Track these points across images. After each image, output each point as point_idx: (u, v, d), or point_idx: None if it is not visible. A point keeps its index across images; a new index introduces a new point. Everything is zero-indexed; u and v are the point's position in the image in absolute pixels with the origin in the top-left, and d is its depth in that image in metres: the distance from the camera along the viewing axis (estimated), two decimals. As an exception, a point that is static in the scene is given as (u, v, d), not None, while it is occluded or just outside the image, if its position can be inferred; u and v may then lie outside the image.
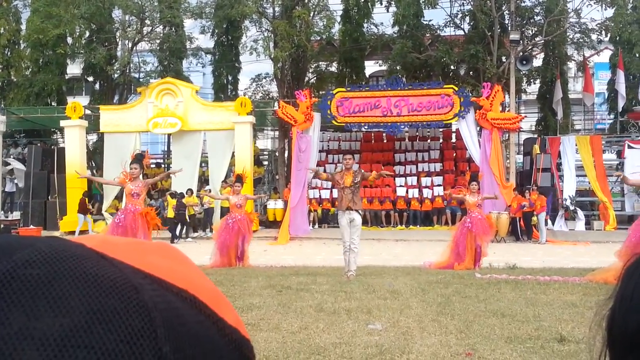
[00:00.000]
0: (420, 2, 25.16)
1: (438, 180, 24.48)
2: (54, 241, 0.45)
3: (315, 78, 29.92)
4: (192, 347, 0.43)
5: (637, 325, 0.76)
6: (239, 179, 13.48)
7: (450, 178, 24.34)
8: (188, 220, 20.85)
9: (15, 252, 0.42)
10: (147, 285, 0.44)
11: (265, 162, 29.96)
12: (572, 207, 22.15)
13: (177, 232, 20.09)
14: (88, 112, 24.62)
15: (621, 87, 25.08)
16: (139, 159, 11.14)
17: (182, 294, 0.46)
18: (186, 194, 20.92)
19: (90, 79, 30.11)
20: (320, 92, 26.45)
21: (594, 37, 26.55)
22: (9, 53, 28.74)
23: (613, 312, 0.81)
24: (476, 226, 11.78)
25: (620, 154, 24.62)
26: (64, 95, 29.34)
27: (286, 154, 25.67)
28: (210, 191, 20.65)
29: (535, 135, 27.20)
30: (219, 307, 0.48)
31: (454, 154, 26.16)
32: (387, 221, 23.20)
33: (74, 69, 30.59)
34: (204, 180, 24.55)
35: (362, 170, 10.79)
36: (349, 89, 23.95)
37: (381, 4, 26.62)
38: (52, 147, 27.13)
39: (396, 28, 27.43)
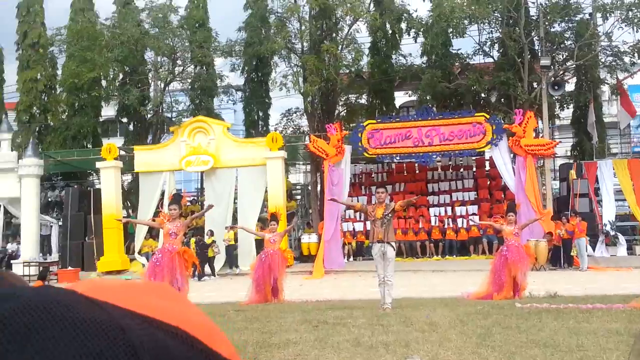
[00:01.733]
0: (448, 31, 25.18)
1: (473, 209, 24.18)
2: (43, 290, 0.46)
3: (345, 111, 30.02)
4: None
5: None
6: (274, 217, 13.49)
7: (486, 206, 24.04)
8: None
9: (3, 302, 0.43)
10: (135, 326, 0.45)
11: (298, 197, 30.00)
12: (612, 233, 21.66)
13: (204, 270, 20.14)
14: (122, 152, 25.03)
15: (657, 108, 24.65)
16: (177, 199, 11.27)
17: (173, 331, 0.47)
18: (207, 234, 21.18)
19: (124, 120, 30.68)
20: (351, 125, 26.50)
21: (626, 59, 26.22)
22: (45, 98, 29.57)
23: None
24: (513, 254, 11.56)
25: (660, 177, 24.07)
26: (99, 137, 29.96)
27: (318, 188, 25.67)
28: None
29: (571, 161, 26.78)
30: (212, 341, 0.51)
31: (488, 182, 25.85)
32: (422, 252, 22.93)
33: (108, 111, 31.24)
34: (237, 217, 24.61)
35: (393, 202, 10.69)
36: (379, 120, 23.96)
37: (409, 35, 26.76)
38: (89, 188, 27.59)
39: (425, 58, 27.51)
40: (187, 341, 0.47)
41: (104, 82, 28.03)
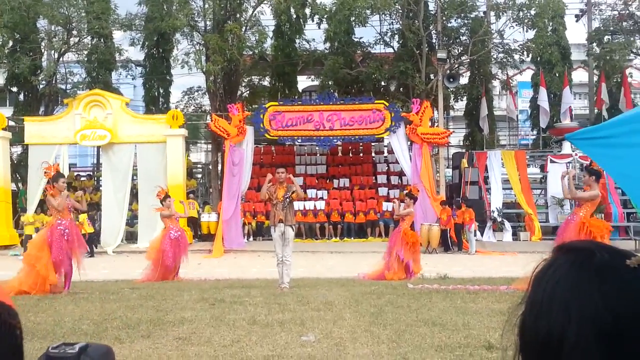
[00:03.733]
0: (351, 20, 25.50)
1: (371, 193, 24.79)
2: None
3: (248, 92, 29.85)
4: None
5: (547, 330, 0.80)
6: (167, 196, 13.30)
7: (383, 191, 24.74)
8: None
9: None
10: None
11: (199, 175, 29.62)
12: (499, 219, 22.83)
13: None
14: (12, 123, 23.78)
15: (544, 104, 26.11)
16: (62, 174, 10.98)
17: None
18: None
19: (14, 89, 29.06)
20: (253, 106, 26.39)
21: (516, 57, 27.61)
22: None
23: (524, 318, 0.85)
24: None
25: (543, 168, 25.63)
26: (-15, 106, 28.26)
27: (219, 167, 25.46)
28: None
29: (464, 150, 27.96)
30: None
31: (386, 168, 26.56)
32: (321, 233, 23.30)
33: (-4, 79, 29.51)
34: (135, 194, 24.01)
35: (295, 186, 10.74)
36: (281, 103, 24.03)
37: (313, 20, 26.86)
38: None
39: (328, 44, 27.74)
40: None
41: (-9, 49, 26.39)
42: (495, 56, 28.11)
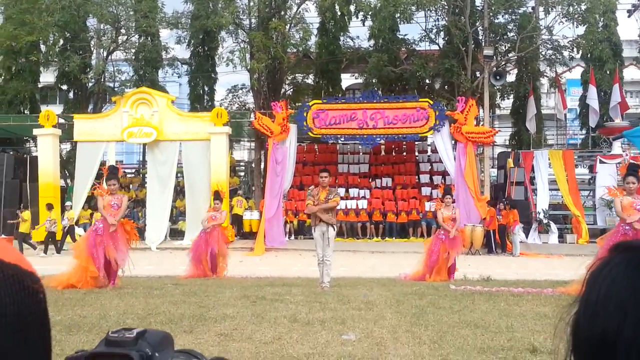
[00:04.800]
0: (396, 16, 25.37)
1: (414, 192, 24.61)
2: None
3: (291, 90, 29.98)
4: None
5: (601, 329, 0.77)
6: (217, 195, 13.46)
7: (426, 191, 24.53)
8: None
9: None
10: None
11: (242, 173, 29.89)
12: (545, 221, 22.41)
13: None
14: (62, 120, 24.36)
15: (593, 102, 25.50)
16: (114, 172, 11.15)
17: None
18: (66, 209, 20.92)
19: (64, 87, 29.81)
20: (297, 104, 26.49)
21: (565, 54, 27.00)
22: (-20, 60, 28.37)
23: (578, 317, 0.81)
24: (449, 238, 11.88)
25: (592, 169, 25.02)
26: (37, 103, 29.03)
27: (262, 165, 25.63)
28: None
29: (509, 149, 27.51)
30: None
31: (430, 167, 26.33)
32: (363, 233, 23.24)
33: (47, 77, 30.26)
34: (179, 191, 24.37)
35: (337, 191, 10.89)
36: (325, 101, 24.03)
37: (357, 17, 26.83)
38: (25, 155, 26.78)
39: (372, 42, 27.66)
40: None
41: (43, 47, 27.09)
42: (543, 53, 27.58)
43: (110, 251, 10.30)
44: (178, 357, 0.77)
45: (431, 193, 24.15)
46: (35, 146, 25.58)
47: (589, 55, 27.11)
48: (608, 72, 26.78)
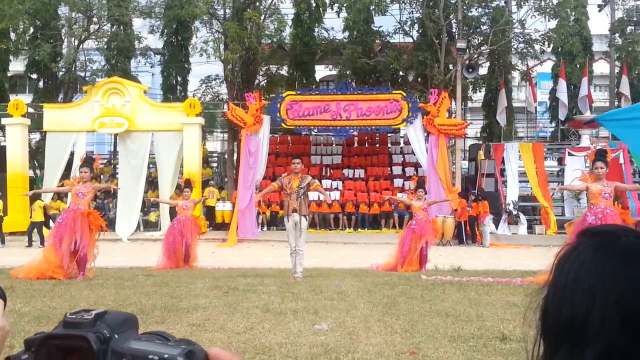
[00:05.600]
0: (371, 8, 25.40)
1: (386, 184, 24.74)
2: None
3: (265, 81, 29.86)
4: None
5: (570, 313, 0.79)
6: (188, 184, 13.46)
7: (398, 182, 24.67)
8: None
9: None
10: None
11: (214, 164, 29.73)
12: (514, 212, 22.69)
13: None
14: (31, 110, 24.01)
15: (563, 96, 25.84)
16: (89, 162, 11.04)
17: None
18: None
19: (34, 76, 29.31)
20: (271, 95, 26.40)
21: (537, 47, 27.30)
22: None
23: (547, 302, 0.84)
24: (420, 228, 11.99)
25: (561, 161, 25.39)
26: (6, 92, 28.48)
27: (235, 156, 25.52)
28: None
29: (480, 142, 27.76)
30: None
31: (402, 159, 26.47)
32: (335, 224, 23.30)
33: (17, 65, 29.72)
34: (151, 181, 24.18)
35: (311, 177, 10.81)
36: (299, 92, 24.01)
37: (332, 9, 26.80)
38: (-7, 145, 26.30)
39: (347, 33, 27.67)
40: None
41: (12, 35, 26.57)
42: (515, 46, 27.84)
43: (70, 240, 10.16)
44: (140, 338, 0.76)
45: (403, 184, 24.32)
46: (4, 136, 25.13)
47: (559, 49, 27.45)
48: (578, 66, 27.14)
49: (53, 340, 0.73)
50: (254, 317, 6.71)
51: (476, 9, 26.61)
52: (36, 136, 27.38)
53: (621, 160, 21.48)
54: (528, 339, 0.87)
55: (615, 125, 3.85)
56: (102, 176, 25.72)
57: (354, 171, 25.79)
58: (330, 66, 30.33)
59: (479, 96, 31.09)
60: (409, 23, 27.51)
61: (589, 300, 0.78)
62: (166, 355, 0.71)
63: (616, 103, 27.36)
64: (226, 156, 27.34)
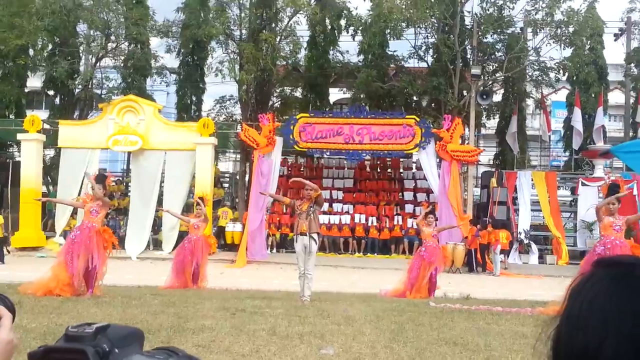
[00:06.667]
0: (386, 32, 25.55)
1: (397, 209, 24.65)
2: None
3: (279, 102, 30.00)
4: None
5: (583, 344, 0.77)
6: (201, 201, 13.45)
7: (409, 208, 24.59)
8: None
9: None
10: None
11: (226, 185, 29.79)
12: (526, 241, 22.52)
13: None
14: (47, 126, 24.20)
15: (578, 125, 25.75)
16: (101, 179, 11.05)
17: None
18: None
19: (51, 93, 29.59)
20: (284, 117, 26.51)
21: (552, 75, 27.27)
22: (-33, 61, 28.13)
23: (559, 331, 0.82)
24: (430, 255, 11.91)
25: (574, 191, 25.22)
26: (22, 108, 28.76)
27: (247, 177, 25.57)
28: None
29: (493, 169, 27.67)
30: None
31: (414, 184, 26.42)
32: (345, 248, 23.21)
33: (34, 82, 30.04)
34: (162, 201, 24.23)
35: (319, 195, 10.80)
36: (312, 114, 24.07)
37: (347, 32, 26.98)
38: (8, 160, 26.51)
39: (361, 57, 27.78)
40: None
41: (31, 51, 26.92)
42: (530, 74, 27.84)
43: (84, 257, 10.18)
44: (142, 353, 0.75)
45: (414, 210, 24.21)
46: (19, 151, 25.34)
47: (574, 78, 27.38)
48: (593, 95, 27.07)
49: (54, 354, 0.74)
50: (260, 340, 6.67)
51: (491, 36, 26.67)
52: (51, 152, 27.60)
53: (635, 192, 21.30)
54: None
55: (630, 158, 3.80)
56: (114, 194, 25.83)
57: (366, 195, 25.74)
58: (344, 89, 30.46)
59: (492, 123, 31.05)
60: (423, 48, 27.59)
61: (603, 331, 0.76)
62: None
63: (631, 133, 27.21)
64: (238, 177, 27.38)
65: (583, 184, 23.72)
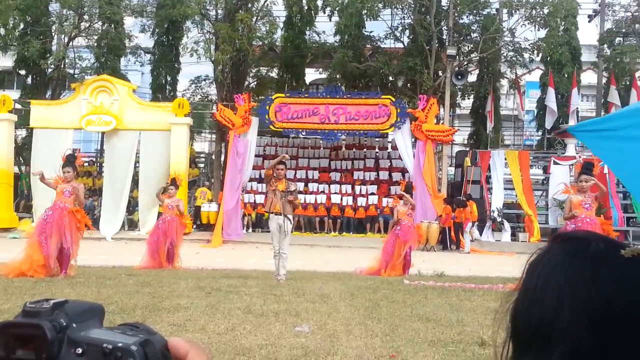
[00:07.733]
0: (363, 13, 25.48)
1: (372, 188, 24.79)
2: None
3: (255, 83, 29.84)
4: None
5: (539, 317, 0.81)
6: (174, 182, 13.42)
7: (384, 187, 24.73)
8: None
9: None
10: None
11: (201, 165, 29.66)
12: (499, 219, 22.81)
13: None
14: (18, 106, 23.86)
15: (552, 104, 25.99)
16: (71, 161, 10.90)
17: None
18: None
19: (22, 72, 29.08)
20: (260, 97, 26.41)
21: (526, 56, 27.48)
22: None
23: (517, 304, 0.85)
24: (405, 233, 12.04)
25: (546, 170, 25.56)
26: (-7, 88, 28.30)
27: (222, 157, 25.49)
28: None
29: (467, 149, 27.87)
30: None
31: (389, 164, 26.55)
32: (320, 227, 23.32)
33: (5, 61, 29.51)
34: (136, 181, 24.07)
35: (295, 186, 10.85)
36: (288, 95, 24.02)
37: (324, 12, 26.85)
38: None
39: (338, 37, 27.70)
40: None
41: (2, 31, 26.35)
42: (505, 54, 28.01)
43: (57, 238, 10.11)
44: (101, 328, 0.75)
45: (389, 189, 24.38)
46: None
47: (548, 58, 27.57)
48: (566, 76, 27.31)
49: (12, 329, 0.73)
50: (235, 318, 6.72)
51: (467, 17, 26.77)
52: (22, 132, 27.19)
53: (606, 170, 21.66)
54: (498, 340, 0.89)
55: (587, 137, 3.85)
56: (90, 174, 25.61)
57: (341, 175, 25.83)
58: (321, 69, 30.38)
59: (467, 103, 31.25)
60: (400, 29, 27.63)
61: (558, 304, 0.79)
62: (120, 344, 0.72)
63: (603, 113, 27.51)
64: (213, 157, 27.29)
65: (555, 163, 24.04)
